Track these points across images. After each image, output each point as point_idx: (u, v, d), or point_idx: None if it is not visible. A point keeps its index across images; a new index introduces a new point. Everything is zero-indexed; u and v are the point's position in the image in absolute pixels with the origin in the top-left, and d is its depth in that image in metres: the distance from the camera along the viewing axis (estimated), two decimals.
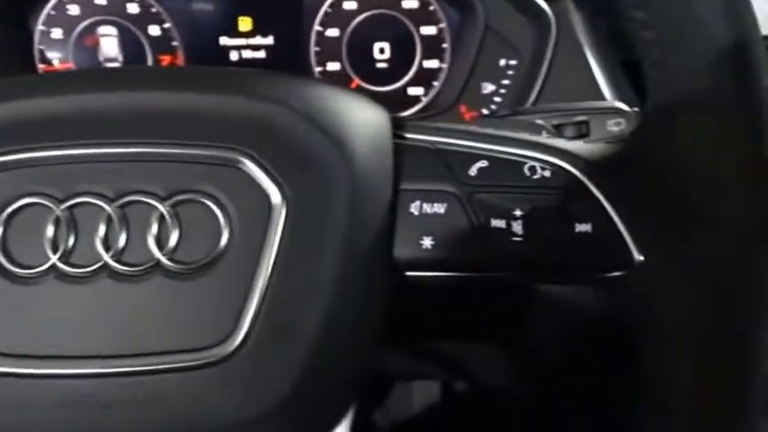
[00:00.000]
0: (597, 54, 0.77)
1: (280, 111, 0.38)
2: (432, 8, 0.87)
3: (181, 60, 0.87)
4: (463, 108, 0.84)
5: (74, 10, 0.84)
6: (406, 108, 0.90)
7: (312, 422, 0.41)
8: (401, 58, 0.88)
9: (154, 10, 0.85)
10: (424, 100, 0.90)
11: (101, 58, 0.86)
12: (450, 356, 0.88)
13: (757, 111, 0.35)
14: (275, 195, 0.37)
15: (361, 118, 0.42)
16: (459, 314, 0.73)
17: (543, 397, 0.85)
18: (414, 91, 0.90)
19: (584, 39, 0.77)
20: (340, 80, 0.89)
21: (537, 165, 0.41)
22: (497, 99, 0.84)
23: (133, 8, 0.84)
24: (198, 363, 0.36)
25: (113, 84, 0.40)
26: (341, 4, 0.86)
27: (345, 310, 0.39)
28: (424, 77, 0.89)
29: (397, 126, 0.44)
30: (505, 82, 0.83)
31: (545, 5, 0.78)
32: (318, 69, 0.88)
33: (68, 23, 0.84)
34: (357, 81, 0.89)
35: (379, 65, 0.89)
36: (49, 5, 0.83)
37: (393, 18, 0.87)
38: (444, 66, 0.88)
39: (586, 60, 0.76)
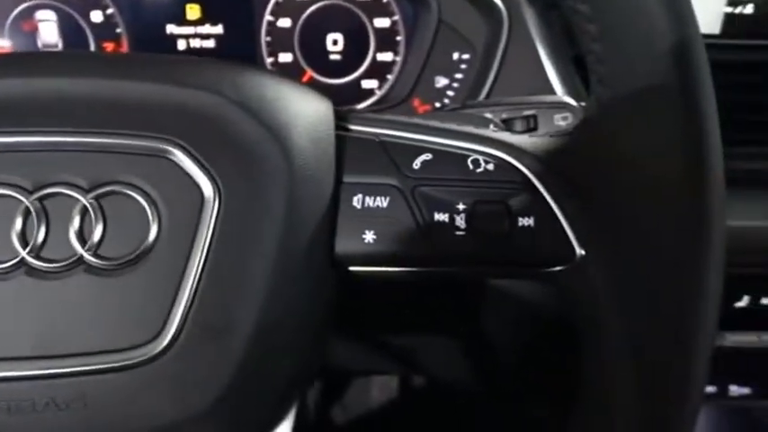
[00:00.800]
0: (549, 48, 0.77)
1: (212, 99, 0.36)
2: (385, 0, 0.85)
3: (125, 48, 0.83)
4: (416, 102, 0.83)
5: None
6: (359, 101, 0.89)
7: (248, 423, 0.39)
8: (355, 51, 0.87)
9: None
10: (378, 93, 0.89)
11: (39, 45, 0.82)
12: (404, 351, 0.87)
13: (696, 108, 0.35)
14: (207, 188, 0.35)
15: (301, 108, 0.40)
16: (408, 309, 0.72)
17: (494, 392, 0.85)
18: (367, 84, 0.88)
19: (535, 33, 0.77)
20: (292, 71, 0.87)
21: (480, 158, 0.40)
22: (450, 93, 0.83)
23: None
24: (124, 364, 0.35)
25: (35, 69, 0.38)
26: None
27: (283, 309, 0.37)
28: (378, 70, 0.88)
29: (340, 117, 0.43)
30: (458, 76, 0.83)
31: (498, 1, 0.77)
32: (270, 60, 0.86)
33: (4, 6, 0.80)
34: (310, 73, 0.87)
35: (333, 57, 0.87)
36: None
37: (346, 9, 0.85)
38: (398, 59, 0.87)
39: (538, 55, 0.76)
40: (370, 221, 0.40)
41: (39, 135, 0.35)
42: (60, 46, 0.82)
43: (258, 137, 0.36)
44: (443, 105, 0.83)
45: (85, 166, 0.35)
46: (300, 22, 0.85)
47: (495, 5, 0.77)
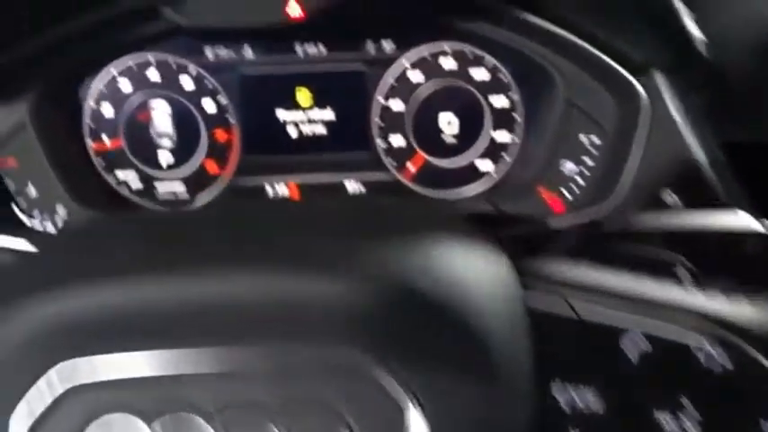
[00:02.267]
0: (694, 134, 0.70)
1: (404, 302, 0.32)
2: (503, 78, 0.80)
3: (236, 135, 0.82)
4: (542, 189, 0.77)
5: (125, 85, 0.80)
6: (474, 183, 0.84)
7: None
8: (470, 131, 0.82)
9: (208, 84, 0.80)
10: (495, 176, 0.83)
11: (152, 134, 0.81)
12: None
13: None
14: (404, 400, 0.30)
15: (497, 308, 0.35)
16: None
17: None
18: (483, 165, 0.83)
19: (678, 116, 0.70)
20: (404, 154, 0.83)
21: (706, 348, 0.34)
22: (580, 180, 0.77)
23: (187, 82, 0.80)
24: None
25: (208, 277, 0.34)
26: (406, 76, 0.80)
27: None
28: (495, 151, 0.83)
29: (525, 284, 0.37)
30: (588, 161, 0.76)
31: (632, 79, 0.71)
32: (381, 144, 0.83)
33: (120, 99, 0.80)
34: (422, 155, 0.83)
35: (446, 138, 0.83)
36: (101, 81, 0.79)
37: (462, 89, 0.81)
38: (517, 139, 0.82)
39: (683, 141, 0.69)
40: (576, 422, 0.34)
41: (225, 349, 0.31)
42: (173, 135, 0.81)
43: (452, 337, 0.31)
44: (572, 193, 0.77)
45: (273, 383, 0.31)
46: (414, 103, 0.81)
47: (631, 85, 0.71)
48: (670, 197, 0.69)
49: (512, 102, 0.81)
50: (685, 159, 0.68)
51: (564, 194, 0.77)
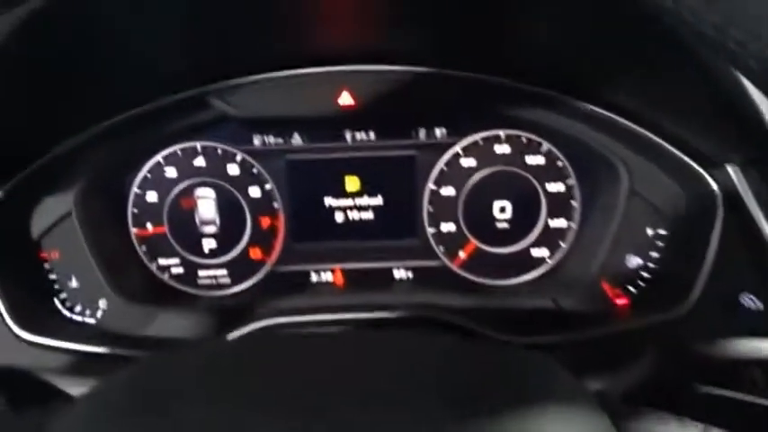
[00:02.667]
0: None
1: None
2: (560, 164, 0.77)
3: (281, 222, 0.79)
4: (605, 285, 0.73)
5: (171, 172, 0.78)
6: (528, 271, 0.80)
7: None
8: (524, 217, 0.79)
9: (255, 170, 0.78)
10: (550, 262, 0.79)
11: (197, 221, 0.79)
12: None
13: None
14: None
15: None
16: None
17: None
18: (538, 252, 0.79)
19: (756, 211, 0.65)
20: (455, 241, 0.79)
21: None
22: (645, 274, 0.72)
23: (233, 169, 0.78)
24: None
25: None
26: (458, 162, 0.78)
27: None
28: (550, 238, 0.79)
29: None
30: (654, 255, 0.72)
31: (704, 172, 0.67)
32: (431, 230, 0.79)
33: (164, 186, 0.78)
34: (474, 242, 0.79)
35: (499, 224, 0.79)
36: (146, 168, 0.78)
37: (515, 175, 0.78)
38: (573, 225, 0.78)
39: (763, 238, 0.64)
40: None
41: None
42: (217, 221, 0.79)
43: None
44: (638, 290, 0.72)
45: None
46: (465, 189, 0.78)
47: (702, 178, 0.67)
48: (750, 301, 0.64)
49: (568, 187, 0.77)
50: (763, 260, 0.63)
51: (630, 291, 0.72)
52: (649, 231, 0.72)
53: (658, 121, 0.67)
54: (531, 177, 0.77)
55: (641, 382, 0.61)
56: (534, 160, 0.77)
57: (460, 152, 0.77)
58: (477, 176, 0.78)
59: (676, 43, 0.48)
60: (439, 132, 0.77)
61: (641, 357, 0.62)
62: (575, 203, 0.78)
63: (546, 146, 0.77)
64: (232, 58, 0.68)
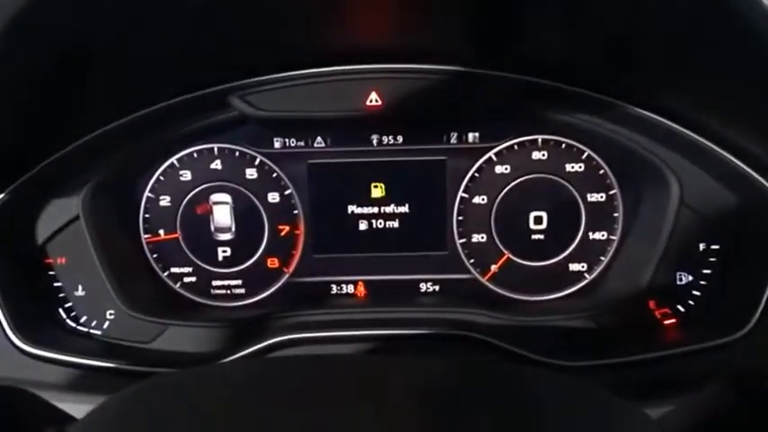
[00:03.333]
0: None
1: None
2: (601, 172, 0.72)
3: (301, 230, 0.74)
4: (651, 303, 0.67)
5: (186, 175, 0.73)
6: (565, 286, 0.74)
7: None
8: (561, 229, 0.73)
9: (274, 175, 0.73)
10: (588, 277, 0.74)
11: (212, 228, 0.75)
12: None
13: None
14: None
15: None
16: None
17: None
18: (575, 266, 0.74)
19: None
20: (486, 253, 0.74)
21: None
22: (696, 293, 0.66)
23: (251, 174, 0.73)
24: None
25: None
26: (491, 168, 0.72)
27: None
28: (589, 251, 0.73)
29: None
30: (706, 272, 0.66)
31: (762, 180, 0.61)
32: (461, 241, 0.74)
33: (178, 190, 0.74)
34: (507, 255, 0.74)
35: (535, 236, 0.74)
36: (159, 171, 0.73)
37: (553, 183, 0.72)
38: (615, 238, 0.72)
39: None
40: None
41: None
42: (234, 228, 0.74)
43: None
44: (689, 311, 0.66)
45: None
46: (499, 198, 0.73)
47: (759, 188, 0.61)
48: None
49: (609, 197, 0.72)
50: None
51: (680, 311, 0.66)
52: (701, 246, 0.66)
53: (711, 126, 0.62)
54: (569, 186, 0.72)
55: (697, 414, 0.55)
56: (574, 167, 0.72)
57: (494, 158, 0.72)
58: (511, 184, 0.73)
59: (739, 41, 0.43)
60: (471, 136, 0.72)
61: (695, 385, 0.56)
62: (617, 215, 0.72)
63: (587, 152, 0.71)
64: (254, 54, 0.64)
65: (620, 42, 0.56)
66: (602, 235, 0.73)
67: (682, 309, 0.67)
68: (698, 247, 0.66)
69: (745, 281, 0.61)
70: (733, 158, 0.62)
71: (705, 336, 0.60)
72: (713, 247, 0.66)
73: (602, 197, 0.72)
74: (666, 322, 0.66)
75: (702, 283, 0.66)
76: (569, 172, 0.72)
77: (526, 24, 0.58)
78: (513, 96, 0.67)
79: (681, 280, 0.67)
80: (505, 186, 0.73)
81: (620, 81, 0.63)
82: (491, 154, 0.72)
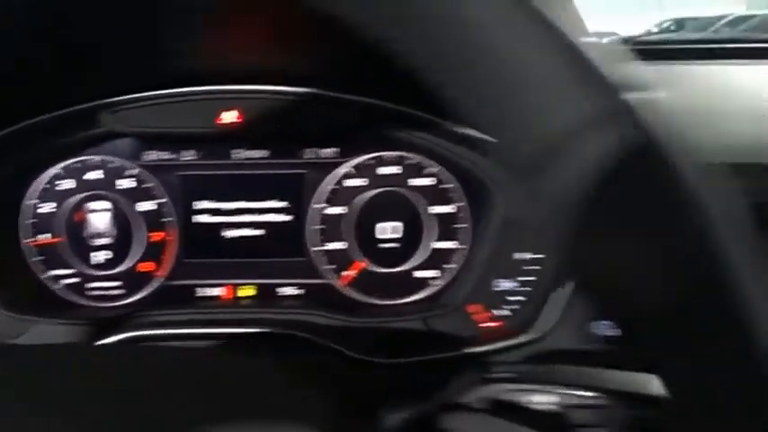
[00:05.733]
0: None
1: None
2: (449, 185, 0.78)
3: (173, 237, 0.80)
4: (473, 307, 0.72)
5: (68, 184, 0.80)
6: (413, 292, 0.80)
7: None
8: (409, 239, 0.79)
9: (148, 185, 0.79)
10: (438, 284, 0.79)
11: (91, 233, 0.81)
12: None
13: None
14: None
15: None
16: None
17: None
18: (422, 273, 0.80)
19: None
20: (342, 261, 0.80)
21: None
22: (517, 298, 0.72)
23: (125, 183, 0.80)
24: None
25: None
26: (346, 181, 0.79)
27: None
28: (437, 260, 0.79)
29: None
30: (524, 279, 0.72)
31: None
32: (318, 249, 0.80)
33: (60, 197, 0.80)
34: (361, 262, 0.80)
35: (386, 245, 0.80)
36: (42, 179, 0.79)
37: (403, 196, 0.79)
38: (464, 247, 0.78)
39: None
40: None
41: None
42: (109, 234, 0.81)
43: None
44: (511, 311, 0.72)
45: None
46: (353, 209, 0.79)
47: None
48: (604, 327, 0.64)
49: (456, 209, 0.78)
50: None
51: (501, 315, 0.72)
52: (517, 256, 0.72)
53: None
54: (415, 199, 0.78)
55: None
56: (420, 182, 0.78)
57: (351, 171, 0.79)
58: (364, 196, 0.79)
59: None
60: (328, 152, 0.78)
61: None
62: (462, 226, 0.78)
63: (433, 168, 0.78)
64: (115, 75, 0.71)
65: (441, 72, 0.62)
66: (454, 244, 0.79)
67: (505, 312, 0.72)
68: (513, 256, 0.72)
69: (552, 289, 0.67)
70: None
71: (506, 337, 0.66)
72: (531, 256, 0.72)
73: (452, 209, 0.78)
74: (486, 325, 0.72)
75: (520, 289, 0.72)
76: (416, 186, 0.78)
77: (371, 55, 0.64)
78: (363, 116, 0.74)
79: (501, 286, 0.72)
80: (359, 198, 0.79)
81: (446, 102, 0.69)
82: (347, 168, 0.78)
